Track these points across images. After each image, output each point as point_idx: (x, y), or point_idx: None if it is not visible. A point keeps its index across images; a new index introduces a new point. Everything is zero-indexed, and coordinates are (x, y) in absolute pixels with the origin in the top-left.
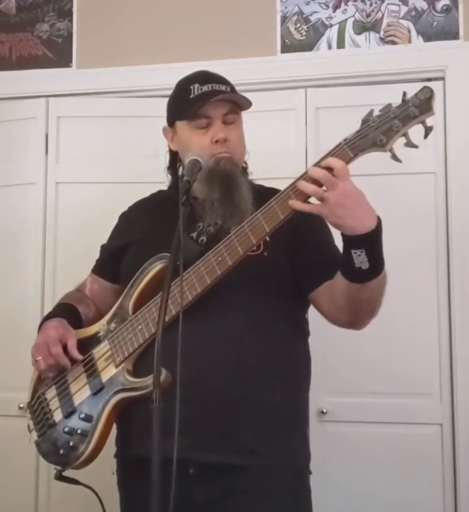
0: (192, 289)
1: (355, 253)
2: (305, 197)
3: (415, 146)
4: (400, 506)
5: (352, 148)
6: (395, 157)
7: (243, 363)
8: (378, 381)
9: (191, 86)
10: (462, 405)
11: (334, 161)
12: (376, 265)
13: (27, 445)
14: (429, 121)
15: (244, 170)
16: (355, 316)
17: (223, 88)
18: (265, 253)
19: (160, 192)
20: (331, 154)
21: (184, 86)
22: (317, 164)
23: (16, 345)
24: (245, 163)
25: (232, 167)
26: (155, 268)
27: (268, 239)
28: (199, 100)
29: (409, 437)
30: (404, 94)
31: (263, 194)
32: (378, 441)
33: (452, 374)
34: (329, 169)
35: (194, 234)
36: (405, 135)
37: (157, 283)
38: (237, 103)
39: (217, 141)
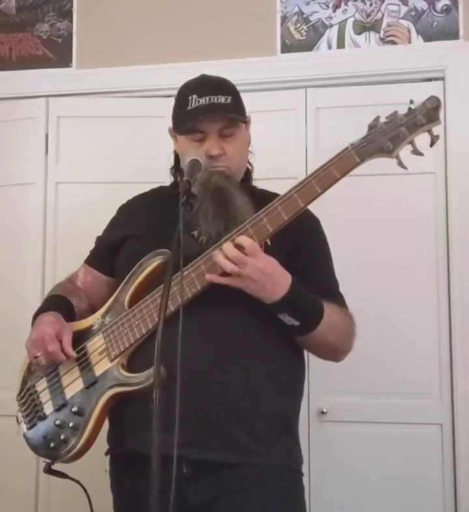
0: (191, 286)
1: (280, 315)
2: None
3: (421, 154)
4: (401, 506)
5: (358, 153)
6: (401, 164)
7: (240, 362)
8: (378, 381)
9: (190, 97)
10: (462, 405)
11: (243, 240)
12: (307, 321)
13: (27, 448)
14: (435, 130)
15: (246, 175)
16: (319, 355)
17: (222, 99)
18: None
19: (161, 188)
20: (337, 158)
21: (183, 95)
22: (231, 237)
23: (16, 345)
24: (250, 164)
25: (224, 182)
26: (153, 263)
27: (268, 242)
28: (194, 116)
29: (409, 437)
30: (411, 101)
31: (265, 199)
32: (378, 442)
33: (452, 374)
34: (241, 247)
35: (195, 233)
36: (411, 142)
37: (154, 278)
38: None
39: (211, 156)
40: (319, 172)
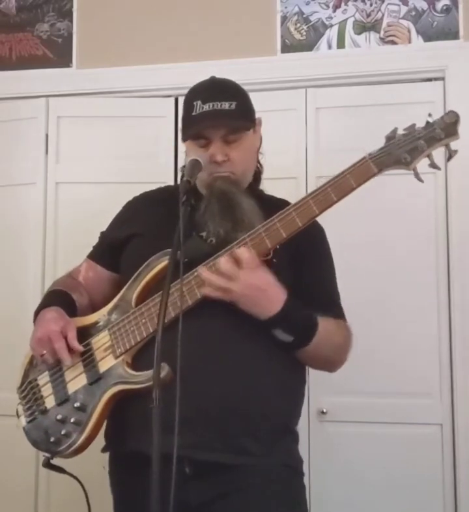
0: (192, 294)
1: (273, 331)
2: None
3: (438, 168)
4: (401, 506)
5: (376, 163)
6: (417, 177)
7: (241, 363)
8: (378, 381)
9: (194, 103)
10: (462, 405)
11: (242, 253)
12: (301, 336)
13: (27, 447)
14: (453, 145)
15: (256, 177)
16: (313, 367)
17: (226, 105)
18: (274, 260)
19: (167, 187)
20: (354, 167)
21: (189, 99)
22: (244, 239)
23: (17, 344)
24: (260, 165)
25: (228, 187)
26: (161, 263)
27: (278, 247)
28: (197, 122)
29: (409, 437)
30: (429, 115)
31: (272, 204)
32: (378, 441)
33: (452, 374)
34: (239, 259)
35: (204, 234)
36: (429, 156)
37: (162, 278)
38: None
39: (215, 162)
40: (335, 180)
